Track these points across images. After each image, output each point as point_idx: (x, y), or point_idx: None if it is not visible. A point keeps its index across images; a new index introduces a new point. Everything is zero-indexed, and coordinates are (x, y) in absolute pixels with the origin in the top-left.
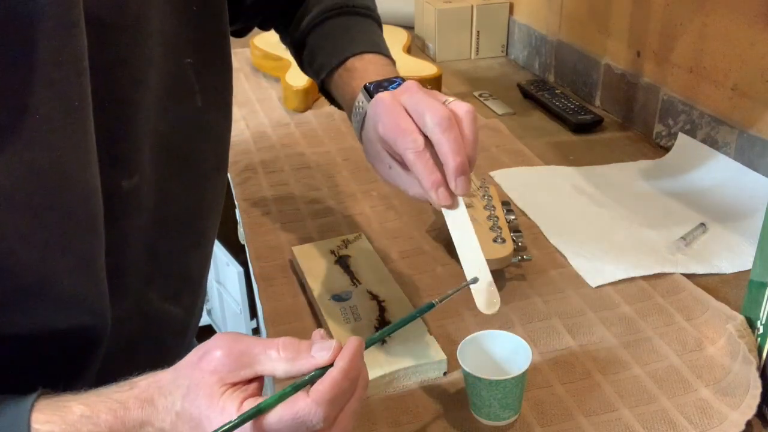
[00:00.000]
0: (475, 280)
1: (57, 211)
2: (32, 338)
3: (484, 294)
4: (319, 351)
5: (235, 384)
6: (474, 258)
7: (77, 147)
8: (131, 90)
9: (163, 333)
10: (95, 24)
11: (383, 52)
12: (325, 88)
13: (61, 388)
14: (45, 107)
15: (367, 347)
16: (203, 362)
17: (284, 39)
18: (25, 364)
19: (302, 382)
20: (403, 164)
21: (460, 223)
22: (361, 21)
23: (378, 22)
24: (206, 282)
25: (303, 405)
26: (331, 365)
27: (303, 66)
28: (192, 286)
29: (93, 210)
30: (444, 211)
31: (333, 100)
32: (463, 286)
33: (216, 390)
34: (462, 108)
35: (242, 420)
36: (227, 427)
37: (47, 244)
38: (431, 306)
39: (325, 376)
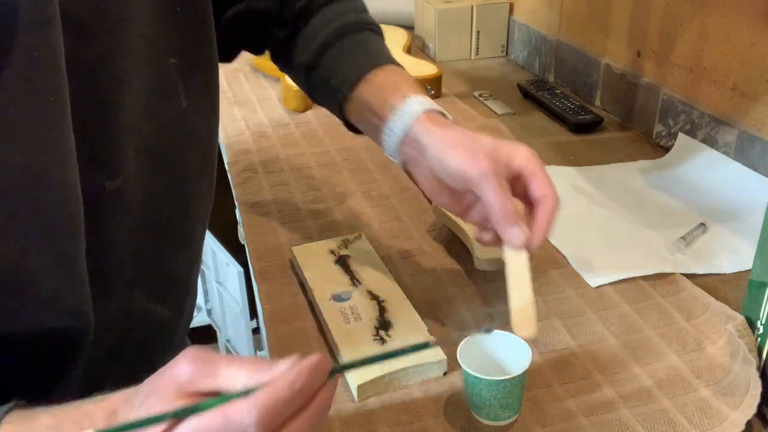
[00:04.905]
0: (426, 345)
1: (33, 210)
2: (12, 339)
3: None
4: (281, 364)
5: (191, 395)
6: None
7: (54, 144)
8: (113, 90)
9: (150, 334)
10: (74, 23)
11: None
12: (344, 99)
13: (44, 391)
14: (20, 103)
15: (334, 373)
16: (167, 371)
17: (284, 66)
18: (6, 366)
19: (251, 390)
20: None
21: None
22: (376, 37)
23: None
24: (196, 282)
25: (236, 405)
26: None
27: (313, 84)
28: (179, 288)
29: (71, 209)
30: (515, 249)
31: (345, 120)
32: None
33: (171, 395)
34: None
35: (176, 414)
36: (161, 417)
37: (24, 243)
38: (426, 345)
39: (268, 382)
